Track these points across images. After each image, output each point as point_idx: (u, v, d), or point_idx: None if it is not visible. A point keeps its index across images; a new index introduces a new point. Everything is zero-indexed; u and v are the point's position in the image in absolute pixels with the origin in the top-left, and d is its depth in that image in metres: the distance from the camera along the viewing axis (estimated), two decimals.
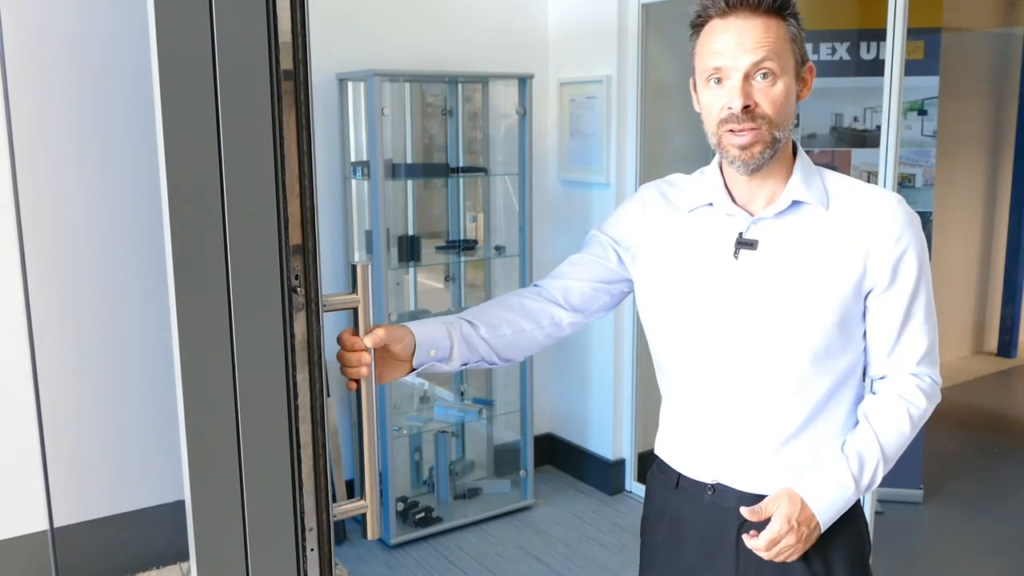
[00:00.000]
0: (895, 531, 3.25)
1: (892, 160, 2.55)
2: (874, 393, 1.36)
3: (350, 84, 3.19)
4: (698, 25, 1.29)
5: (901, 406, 1.32)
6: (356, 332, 1.16)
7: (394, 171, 3.21)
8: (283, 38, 0.90)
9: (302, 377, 0.98)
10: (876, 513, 2.74)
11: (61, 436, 2.82)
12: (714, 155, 1.35)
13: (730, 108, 1.24)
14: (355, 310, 1.13)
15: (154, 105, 0.90)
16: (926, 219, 3.36)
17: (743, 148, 1.25)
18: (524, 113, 3.29)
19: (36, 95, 2.66)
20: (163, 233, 0.91)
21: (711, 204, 1.35)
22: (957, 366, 5.43)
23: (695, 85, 1.33)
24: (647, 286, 1.42)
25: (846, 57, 3.37)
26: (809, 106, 3.40)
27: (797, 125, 3.42)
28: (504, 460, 3.66)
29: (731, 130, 1.25)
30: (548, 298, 1.43)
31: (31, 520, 2.80)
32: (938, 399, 1.36)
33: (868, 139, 3.34)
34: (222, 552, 0.94)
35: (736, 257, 1.32)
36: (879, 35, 3.16)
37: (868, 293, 1.29)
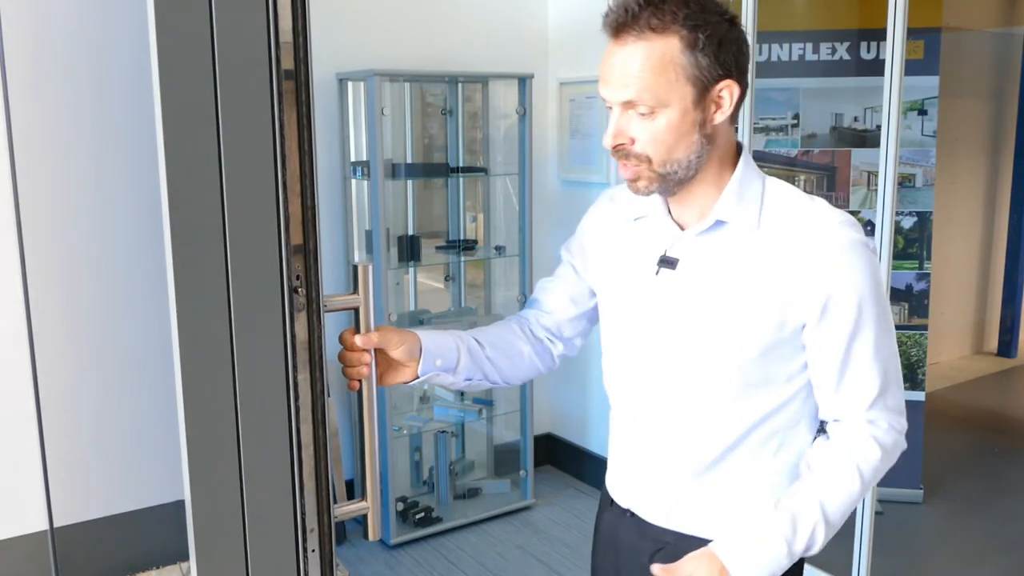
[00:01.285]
0: (895, 531, 3.25)
1: (892, 160, 2.55)
2: (826, 436, 1.22)
3: (350, 84, 3.19)
4: None
5: (850, 462, 1.16)
6: (357, 332, 1.16)
7: (394, 171, 3.21)
8: (284, 37, 0.90)
9: (303, 378, 0.98)
10: (876, 513, 2.74)
11: (61, 436, 2.82)
12: None
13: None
14: (356, 310, 1.13)
15: (154, 106, 0.90)
16: (926, 219, 3.36)
17: (629, 181, 1.16)
18: (524, 113, 3.29)
19: (36, 95, 2.66)
20: (163, 233, 0.91)
21: (639, 218, 1.27)
22: (957, 366, 5.42)
23: None
24: (597, 295, 1.37)
25: (846, 57, 3.37)
26: (809, 106, 3.41)
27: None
28: (504, 460, 3.66)
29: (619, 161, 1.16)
30: (542, 329, 1.41)
31: (31, 520, 2.81)
32: (900, 447, 1.20)
33: (868, 139, 3.34)
34: (222, 552, 0.94)
35: (657, 275, 1.22)
36: (879, 35, 3.16)
37: (804, 326, 1.15)
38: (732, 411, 1.19)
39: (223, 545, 0.94)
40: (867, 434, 1.17)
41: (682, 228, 1.21)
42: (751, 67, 2.84)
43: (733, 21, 1.15)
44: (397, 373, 1.26)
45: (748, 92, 1.19)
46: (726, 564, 1.12)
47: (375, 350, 1.17)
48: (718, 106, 1.12)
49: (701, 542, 1.19)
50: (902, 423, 1.20)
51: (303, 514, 0.99)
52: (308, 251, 0.97)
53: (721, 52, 1.10)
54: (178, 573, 2.50)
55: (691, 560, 1.14)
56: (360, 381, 1.15)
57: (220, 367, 0.91)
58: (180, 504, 2.68)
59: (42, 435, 2.63)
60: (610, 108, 1.14)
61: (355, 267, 1.12)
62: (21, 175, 2.53)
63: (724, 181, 1.18)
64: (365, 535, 1.15)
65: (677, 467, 1.24)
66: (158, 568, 2.85)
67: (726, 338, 1.15)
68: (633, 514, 1.31)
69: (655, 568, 1.15)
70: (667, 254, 1.21)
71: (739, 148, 1.20)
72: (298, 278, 0.96)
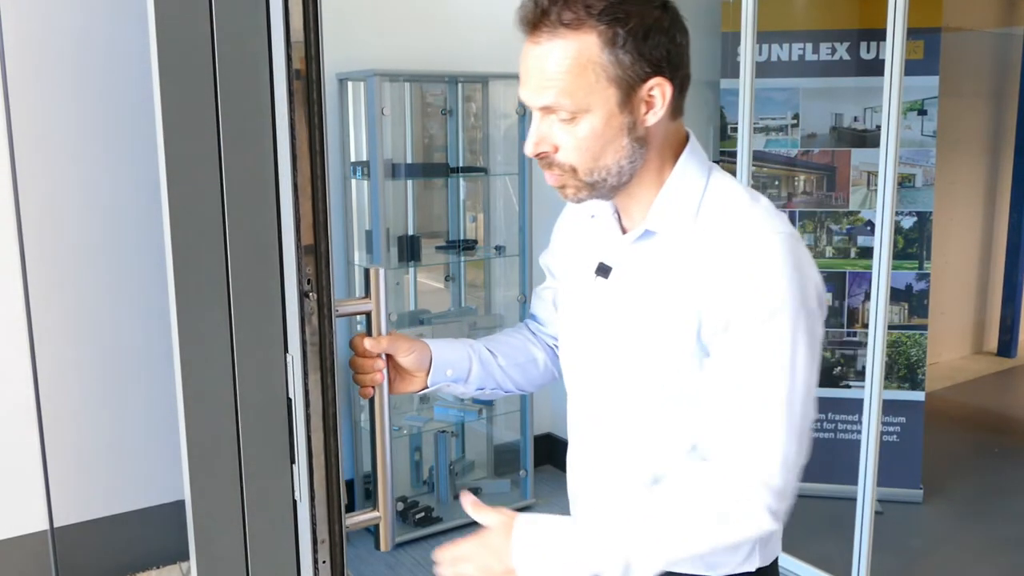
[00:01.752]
0: (895, 531, 3.25)
1: (892, 160, 2.55)
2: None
3: (350, 84, 3.19)
4: None
5: (700, 505, 0.99)
6: (368, 337, 1.13)
7: (394, 171, 3.21)
8: (295, 36, 0.89)
9: (314, 382, 0.96)
10: (876, 513, 2.74)
11: (61, 436, 2.82)
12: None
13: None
14: (368, 315, 1.11)
15: (154, 107, 0.90)
16: (926, 219, 3.36)
17: (556, 188, 1.06)
18: (524, 113, 3.29)
19: (38, 95, 2.66)
20: (163, 234, 0.90)
21: (593, 216, 1.18)
22: (957, 366, 5.42)
23: None
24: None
25: (846, 57, 3.37)
26: (809, 106, 3.41)
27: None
28: (504, 460, 3.66)
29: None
30: (547, 336, 1.36)
31: (31, 520, 2.81)
32: (766, 526, 0.98)
33: (868, 139, 3.34)
34: (222, 552, 0.94)
35: (594, 282, 1.14)
36: (879, 35, 3.16)
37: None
38: (665, 427, 1.08)
39: (223, 545, 0.94)
40: (734, 490, 0.98)
41: (625, 231, 1.13)
42: (751, 67, 2.85)
43: (665, 6, 1.01)
44: (405, 382, 1.24)
45: (689, 83, 1.06)
46: (514, 542, 1.03)
47: (385, 356, 1.14)
48: (649, 106, 1.01)
49: None
50: (777, 503, 0.98)
51: (314, 524, 0.98)
52: (320, 254, 0.95)
53: (647, 47, 0.98)
54: (178, 573, 2.50)
55: (496, 516, 1.06)
56: (373, 388, 1.13)
57: (220, 367, 0.91)
58: (180, 504, 2.68)
59: (42, 435, 2.63)
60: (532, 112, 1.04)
61: (366, 271, 1.09)
62: (21, 175, 2.54)
63: (662, 183, 1.08)
64: (377, 545, 1.13)
65: (622, 482, 1.15)
66: (158, 568, 2.85)
67: (650, 351, 1.06)
68: None
69: (467, 500, 1.09)
70: (604, 261, 1.13)
71: (687, 139, 1.10)
72: (309, 282, 0.94)
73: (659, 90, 1.00)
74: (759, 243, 0.98)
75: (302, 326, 0.93)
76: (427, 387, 1.25)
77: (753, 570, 1.13)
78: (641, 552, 0.99)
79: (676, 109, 1.05)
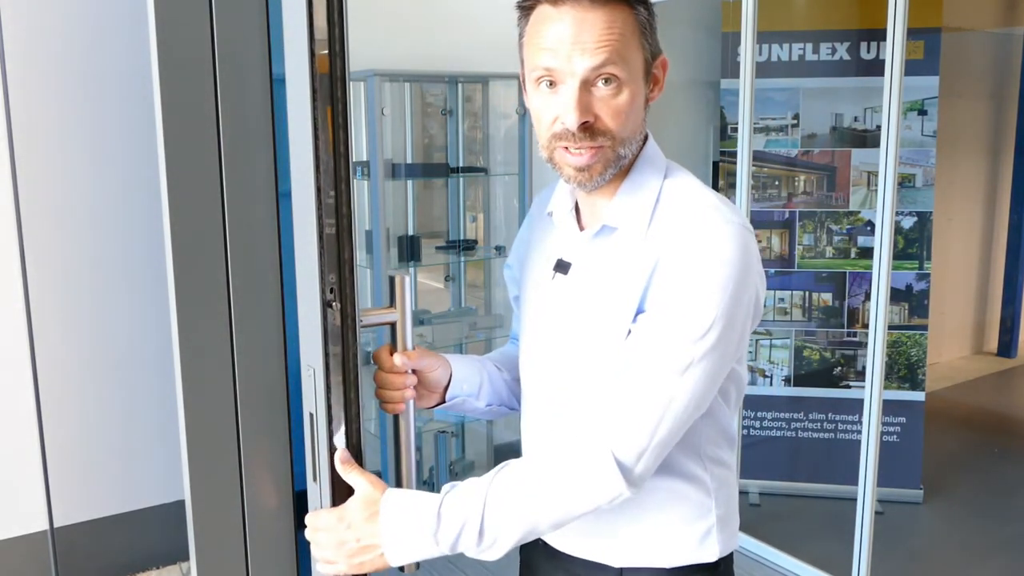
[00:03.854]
0: (895, 531, 3.25)
1: (892, 160, 2.55)
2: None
3: (350, 84, 3.19)
4: (526, 8, 1.02)
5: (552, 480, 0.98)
6: (394, 350, 1.08)
7: (394, 171, 3.21)
8: (319, 35, 0.86)
9: (336, 397, 0.91)
10: (876, 513, 2.74)
11: (61, 436, 2.82)
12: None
13: (564, 123, 0.99)
14: (392, 326, 1.05)
15: (154, 106, 0.90)
16: (926, 219, 3.36)
17: (580, 170, 1.02)
18: (524, 113, 3.29)
19: (38, 95, 2.66)
20: (164, 235, 0.90)
21: (550, 213, 1.16)
22: (957, 366, 5.42)
23: (524, 81, 1.06)
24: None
25: (846, 57, 3.37)
26: (809, 106, 3.41)
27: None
28: (504, 460, 3.65)
29: (566, 147, 1.01)
30: None
31: (31, 520, 2.80)
32: (615, 492, 0.97)
33: (868, 139, 3.34)
34: (222, 552, 0.94)
35: (552, 279, 1.12)
36: (879, 35, 3.16)
37: None
38: None
39: (223, 545, 0.94)
40: (593, 459, 0.97)
41: (582, 228, 1.11)
42: (751, 67, 2.85)
43: None
44: (423, 399, 1.19)
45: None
46: (382, 514, 0.98)
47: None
48: (655, 83, 1.04)
49: (615, 572, 1.10)
50: (626, 473, 0.96)
51: None
52: (343, 261, 0.89)
53: (652, 28, 1.03)
54: (178, 573, 2.50)
55: (367, 483, 1.00)
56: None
57: (220, 368, 0.91)
58: (180, 504, 2.68)
59: (42, 435, 2.63)
60: (551, 86, 1.00)
61: (391, 278, 1.03)
62: (21, 175, 2.53)
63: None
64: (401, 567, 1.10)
65: None
66: (158, 568, 2.85)
67: (606, 345, 1.04)
68: (545, 543, 1.18)
69: (340, 456, 1.02)
70: (562, 258, 1.11)
71: (647, 137, 1.09)
72: (332, 291, 0.88)
73: (662, 67, 1.05)
74: (708, 229, 0.97)
75: (324, 337, 0.87)
76: (444, 402, 1.20)
77: (714, 560, 1.11)
78: (495, 519, 0.97)
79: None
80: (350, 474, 1.00)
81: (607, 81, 0.98)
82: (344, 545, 0.98)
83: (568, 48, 0.97)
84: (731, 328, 0.97)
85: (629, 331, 1.01)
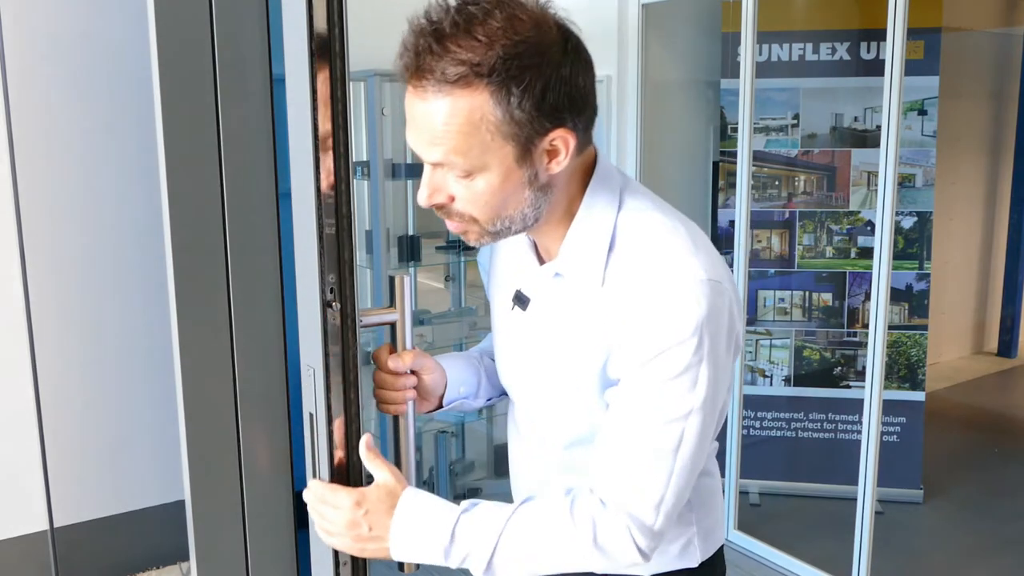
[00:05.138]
0: (895, 531, 3.25)
1: (892, 160, 2.55)
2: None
3: (350, 84, 3.19)
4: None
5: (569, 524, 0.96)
6: (394, 350, 1.08)
7: (394, 171, 3.21)
8: (319, 35, 0.87)
9: (336, 397, 0.92)
10: (876, 513, 2.74)
11: (61, 436, 2.82)
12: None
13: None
14: (392, 326, 1.05)
15: (154, 106, 0.90)
16: (926, 219, 3.36)
17: (459, 235, 0.98)
18: None
19: (38, 95, 2.66)
20: (164, 234, 0.90)
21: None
22: (957, 366, 5.42)
23: None
24: None
25: (846, 57, 3.37)
26: (809, 106, 3.41)
27: (797, 127, 3.42)
28: (504, 460, 3.64)
29: None
30: None
31: (31, 520, 2.80)
32: (631, 559, 0.96)
33: (868, 139, 3.34)
34: (222, 552, 0.94)
35: (512, 310, 1.09)
36: (879, 35, 3.15)
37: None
38: (583, 458, 1.04)
39: (223, 545, 0.94)
40: (608, 526, 0.95)
41: (542, 262, 1.06)
42: (751, 67, 2.85)
43: (566, 46, 0.92)
44: (420, 404, 1.17)
45: (596, 116, 0.96)
46: (397, 514, 0.98)
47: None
48: (552, 156, 0.92)
49: None
50: (647, 539, 0.95)
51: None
52: (343, 261, 0.90)
53: (546, 102, 0.88)
54: (178, 573, 2.50)
55: (386, 473, 1.01)
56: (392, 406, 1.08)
57: (220, 368, 0.91)
58: (180, 504, 2.68)
59: (42, 435, 2.63)
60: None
61: (391, 278, 1.03)
62: (21, 175, 2.53)
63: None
64: (401, 566, 1.09)
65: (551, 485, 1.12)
66: (158, 568, 2.85)
67: (562, 386, 1.03)
68: None
69: (365, 444, 1.02)
70: (522, 290, 1.07)
71: (595, 162, 1.00)
72: (332, 291, 0.89)
73: (561, 140, 0.91)
74: (674, 289, 0.90)
75: (324, 338, 0.88)
76: (442, 407, 1.19)
77: (695, 565, 1.10)
78: (507, 560, 0.96)
79: (582, 145, 0.95)
80: (374, 462, 1.01)
81: (457, 173, 0.91)
82: (356, 528, 0.97)
83: (413, 134, 0.91)
84: (714, 385, 0.93)
85: (600, 382, 0.98)
